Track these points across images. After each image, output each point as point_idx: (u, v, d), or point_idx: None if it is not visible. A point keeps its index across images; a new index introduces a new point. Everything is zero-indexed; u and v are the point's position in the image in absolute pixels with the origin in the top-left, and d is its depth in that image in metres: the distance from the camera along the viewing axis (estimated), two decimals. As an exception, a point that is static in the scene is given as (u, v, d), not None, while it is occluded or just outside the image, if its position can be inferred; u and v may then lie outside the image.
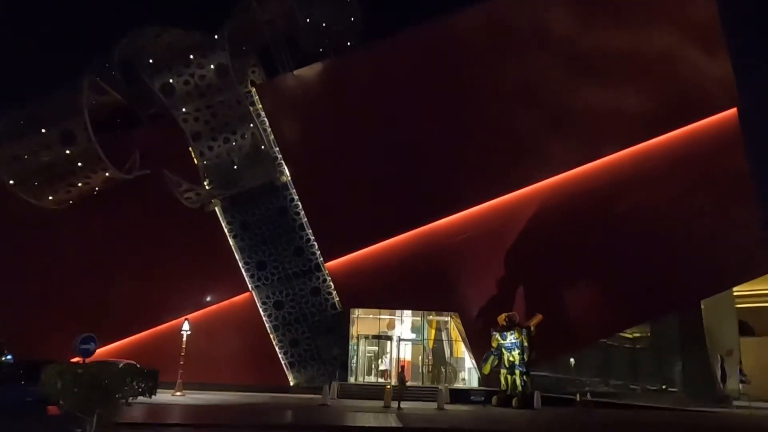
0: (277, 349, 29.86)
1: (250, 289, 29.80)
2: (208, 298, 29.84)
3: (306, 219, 29.73)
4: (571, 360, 33.15)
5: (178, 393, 25.53)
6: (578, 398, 26.36)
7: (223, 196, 28.52)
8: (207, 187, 27.43)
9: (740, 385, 40.33)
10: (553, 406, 26.22)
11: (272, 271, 29.64)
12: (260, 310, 29.81)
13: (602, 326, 31.29)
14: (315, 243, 29.71)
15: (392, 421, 17.07)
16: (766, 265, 32.58)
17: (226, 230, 29.62)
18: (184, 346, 26.41)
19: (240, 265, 29.68)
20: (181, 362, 26.04)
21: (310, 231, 29.71)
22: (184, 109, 26.92)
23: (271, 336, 29.87)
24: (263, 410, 20.65)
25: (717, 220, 31.67)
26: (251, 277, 29.69)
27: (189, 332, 26.84)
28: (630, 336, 35.74)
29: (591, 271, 30.74)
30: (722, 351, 39.66)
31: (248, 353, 29.47)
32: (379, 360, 33.77)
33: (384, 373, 32.71)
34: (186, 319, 27.02)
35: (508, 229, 30.46)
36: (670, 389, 35.24)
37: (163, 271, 28.99)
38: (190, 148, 28.17)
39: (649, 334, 36.13)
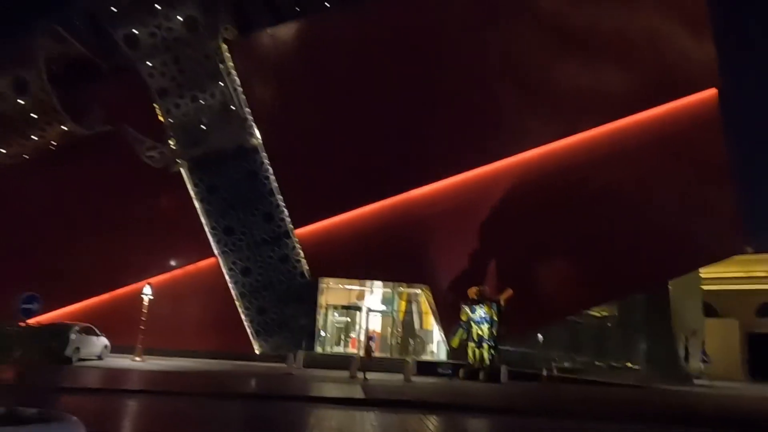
0: (243, 316, 29.18)
1: (217, 254, 28.91)
2: (173, 262, 28.91)
3: (276, 184, 28.76)
4: (539, 336, 33.21)
5: (138, 358, 24.80)
6: (544, 373, 26.35)
7: (190, 157, 27.32)
8: (172, 147, 26.21)
9: (701, 365, 41.41)
10: (520, 380, 26.17)
11: (240, 236, 28.72)
12: (227, 276, 28.99)
13: (572, 303, 31.30)
14: (285, 209, 28.84)
15: (356, 392, 16.60)
16: (735, 247, 32.88)
17: (192, 193, 28.53)
18: (144, 311, 25.57)
19: (206, 229, 28.71)
20: (142, 327, 25.25)
21: (281, 197, 28.79)
22: (149, 63, 25.54)
23: (238, 303, 29.14)
24: (223, 377, 20.04)
25: (690, 201, 31.67)
26: (218, 242, 28.77)
27: (151, 296, 25.97)
28: (598, 314, 36.02)
29: (562, 248, 30.57)
30: (687, 331, 40.51)
31: (213, 320, 28.75)
32: (349, 330, 33.46)
33: (352, 343, 32.42)
34: (148, 282, 26.09)
35: (482, 202, 30.03)
36: (634, 367, 35.75)
37: (125, 233, 27.91)
38: (156, 105, 26.84)
39: (616, 313, 36.51)
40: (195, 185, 28.44)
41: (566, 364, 32.66)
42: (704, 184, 31.68)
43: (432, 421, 12.40)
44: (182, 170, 28.13)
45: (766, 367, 47.49)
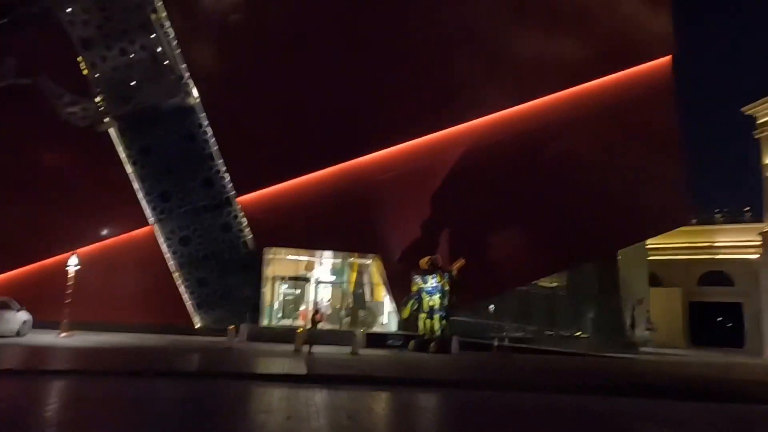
0: (182, 288, 27.43)
1: (152, 222, 26.91)
2: (104, 231, 26.76)
3: (216, 147, 26.81)
4: (491, 306, 32.88)
5: (64, 334, 22.83)
6: (496, 343, 25.93)
7: (119, 115, 25.00)
8: (98, 103, 23.85)
9: (646, 333, 42.40)
10: (471, 351, 25.69)
11: (177, 203, 26.77)
12: (164, 245, 27.07)
13: (524, 273, 30.92)
14: (226, 174, 26.98)
15: (297, 368, 15.44)
16: (685, 218, 33.19)
17: (123, 155, 26.26)
18: (70, 283, 23.51)
19: (140, 195, 26.59)
20: (68, 300, 23.23)
21: (221, 161, 26.88)
22: (69, 9, 22.92)
23: (176, 274, 27.32)
24: (156, 353, 18.48)
25: (642, 171, 31.59)
26: (153, 209, 26.73)
27: (78, 267, 23.89)
28: (549, 285, 35.98)
29: (515, 217, 30.04)
30: (633, 300, 41.21)
31: (150, 292, 26.86)
32: (297, 303, 32.19)
33: (302, 316, 31.20)
34: (74, 253, 23.96)
35: (435, 169, 29.01)
36: (583, 335, 36.04)
37: (49, 198, 25.55)
38: (79, 58, 24.31)
39: (566, 283, 36.54)
40: (127, 147, 26.16)
41: (517, 334, 32.51)
42: (656, 154, 31.59)
43: (375, 398, 11.38)
44: (112, 130, 25.77)
45: (706, 334, 49.31)
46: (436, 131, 28.89)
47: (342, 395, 11.38)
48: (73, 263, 23.70)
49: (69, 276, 23.46)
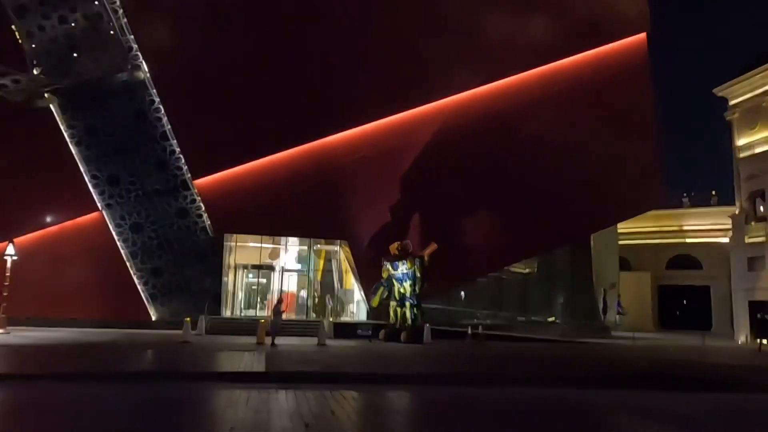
0: (135, 279, 25.54)
1: (100, 208, 24.88)
2: (47, 218, 24.60)
3: (170, 127, 24.87)
4: (462, 293, 31.91)
5: (0, 330, 20.80)
6: (470, 331, 24.87)
7: (59, 91, 22.83)
8: (35, 77, 21.68)
9: (617, 317, 42.18)
10: (444, 339, 24.57)
11: (128, 187, 24.82)
12: (114, 233, 25.11)
13: (498, 257, 29.95)
14: (181, 156, 25.11)
15: (255, 363, 13.96)
16: (659, 199, 32.68)
17: (66, 135, 24.10)
18: (8, 274, 21.43)
19: (86, 178, 24.51)
20: (5, 293, 21.19)
21: (175, 141, 24.97)
22: (-2, -29, 20.65)
23: (129, 264, 25.42)
24: (95, 351, 16.67)
25: (615, 152, 30.89)
26: (101, 194, 24.72)
27: (15, 257, 21.82)
28: (522, 271, 35.18)
29: (488, 201, 29.00)
30: (605, 284, 40.86)
31: (101, 284, 24.92)
32: (262, 292, 30.60)
33: (270, 306, 29.63)
34: (10, 241, 21.85)
35: (404, 151, 27.67)
36: (556, 321, 35.42)
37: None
38: (14, 27, 22.02)
39: (536, 269, 35.76)
40: (70, 126, 24.03)
41: (488, 321, 31.62)
42: (631, 134, 30.92)
43: (338, 400, 10.00)
44: (53, 107, 23.56)
45: (674, 317, 49.57)
46: (404, 111, 27.55)
47: (301, 396, 9.99)
48: (10, 252, 21.61)
49: (6, 266, 21.40)
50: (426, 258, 24.85)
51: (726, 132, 38.46)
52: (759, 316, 30.94)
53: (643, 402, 11.16)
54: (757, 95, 35.30)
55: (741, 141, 36.26)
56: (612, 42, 29.99)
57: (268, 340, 20.25)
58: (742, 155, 36.14)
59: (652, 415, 9.87)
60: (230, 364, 14.39)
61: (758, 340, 28.08)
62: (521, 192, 29.13)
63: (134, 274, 25.44)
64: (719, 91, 37.59)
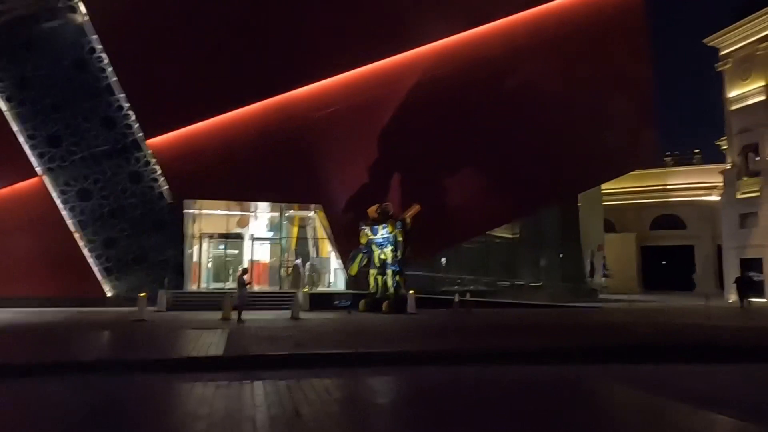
0: (86, 251, 22.94)
1: (40, 173, 22.07)
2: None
3: (116, 78, 21.96)
4: (443, 259, 30.04)
5: (-73, 313, 18.20)
6: (456, 299, 23.01)
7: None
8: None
9: (603, 279, 41.06)
10: (429, 307, 22.67)
11: (71, 149, 21.99)
12: (57, 201, 22.36)
13: (485, 219, 27.92)
14: (130, 112, 22.28)
15: (213, 344, 11.76)
16: (650, 156, 31.00)
17: (-7, 89, 21.13)
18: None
19: (21, 139, 21.60)
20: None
21: (123, 96, 22.10)
22: None
23: (77, 235, 22.78)
24: (35, 335, 14.28)
25: (606, 106, 28.92)
26: (40, 156, 21.86)
27: (-60, 230, 19.07)
28: (509, 235, 33.41)
29: (473, 158, 26.86)
30: (591, 247, 39.49)
31: (46, 258, 22.30)
32: (232, 263, 28.24)
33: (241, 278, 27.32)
34: (-68, 211, 19.06)
35: (382, 104, 25.22)
36: (542, 285, 33.91)
37: None
38: None
39: (522, 232, 34.02)
40: (-2, 78, 21.01)
41: (472, 287, 29.90)
42: (623, 87, 28.90)
43: (305, 392, 7.87)
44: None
45: (657, 278, 48.85)
46: (380, 59, 24.98)
47: (260, 389, 7.84)
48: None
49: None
50: (408, 220, 22.75)
51: (714, 86, 36.93)
52: (739, 275, 30.17)
53: (672, 378, 9.34)
54: (750, 43, 33.54)
55: (733, 93, 34.63)
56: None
57: (234, 314, 18.12)
58: (733, 107, 34.57)
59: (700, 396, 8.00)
60: (184, 345, 12.18)
61: (741, 299, 27.53)
62: (508, 148, 27.06)
63: (84, 246, 22.83)
64: (711, 41, 35.75)
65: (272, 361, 9.99)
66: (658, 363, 10.83)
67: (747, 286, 28.30)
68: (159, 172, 23.05)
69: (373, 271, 23.12)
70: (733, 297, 30.55)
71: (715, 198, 44.44)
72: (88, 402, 7.33)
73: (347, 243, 24.50)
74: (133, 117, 22.29)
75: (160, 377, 8.96)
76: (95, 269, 23.09)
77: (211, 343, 12.00)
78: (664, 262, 49.91)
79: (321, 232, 28.21)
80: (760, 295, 30.15)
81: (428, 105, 25.16)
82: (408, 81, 25.23)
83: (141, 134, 22.50)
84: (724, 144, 44.21)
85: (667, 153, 50.64)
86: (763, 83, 32.69)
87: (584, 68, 28.02)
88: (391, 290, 22.61)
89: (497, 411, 7.00)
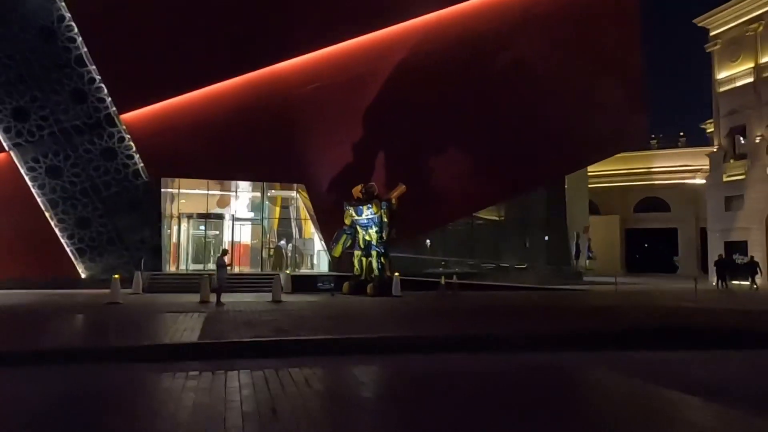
0: (57, 231, 22.00)
1: (7, 148, 20.98)
2: (-59, 162, 20.65)
3: (87, 49, 20.82)
4: (427, 240, 29.54)
5: None
6: (443, 281, 22.53)
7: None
8: None
9: (587, 261, 40.98)
10: (414, 290, 22.17)
11: (39, 123, 20.89)
12: (27, 178, 21.32)
13: (472, 200, 27.42)
14: (103, 85, 21.20)
15: (186, 330, 11.10)
16: (641, 136, 30.61)
17: (-47, 58, 19.88)
18: None
19: (-15, 112, 20.49)
20: None
21: (94, 67, 20.99)
22: None
23: (48, 214, 21.80)
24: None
25: (597, 85, 28.39)
26: (6, 131, 20.76)
27: None
28: (495, 216, 32.96)
29: (460, 137, 26.24)
30: (577, 229, 39.26)
31: (16, 237, 21.34)
32: (213, 244, 27.47)
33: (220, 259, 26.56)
34: None
35: (367, 80, 24.41)
36: (528, 267, 33.62)
37: None
38: None
39: (508, 214, 33.60)
40: (-43, 47, 19.77)
41: (457, 269, 29.48)
42: (614, 66, 28.37)
43: (285, 384, 7.27)
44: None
45: (641, 260, 49.06)
46: (365, 34, 24.10)
47: (233, 380, 7.22)
48: None
49: None
50: (394, 201, 22.10)
51: (699, 68, 36.55)
52: (719, 257, 30.27)
53: (674, 366, 8.91)
54: (740, 24, 33.14)
55: (722, 74, 34.30)
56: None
57: (213, 297, 17.44)
58: (722, 89, 34.27)
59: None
60: (154, 331, 11.48)
61: (718, 281, 28.09)
62: (495, 128, 26.48)
63: (55, 225, 21.87)
64: (701, 21, 35.28)
65: (249, 348, 9.36)
66: (654, 349, 10.41)
67: (727, 269, 28.50)
68: (134, 149, 22.08)
69: (357, 253, 22.53)
70: (715, 279, 30.53)
71: (699, 181, 44.51)
72: (37, 399, 6.64)
73: (331, 224, 23.83)
74: (106, 90, 21.20)
75: (125, 367, 8.29)
76: (68, 249, 22.17)
77: (185, 329, 11.33)
78: (646, 245, 50.14)
79: (304, 213, 27.52)
80: (743, 277, 30.19)
81: (415, 83, 24.39)
82: (394, 57, 24.40)
83: (114, 109, 21.46)
84: (708, 127, 44.22)
85: (652, 136, 50.57)
86: (751, 65, 32.38)
87: (574, 47, 27.44)
88: (376, 272, 22.05)
89: (491, 406, 6.47)
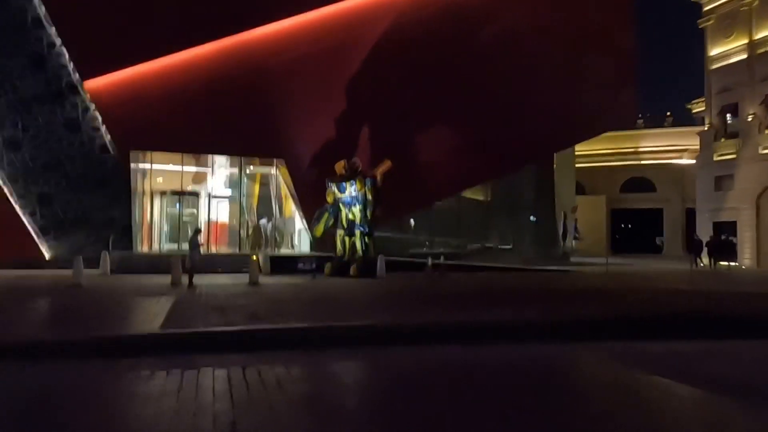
0: (17, 208, 20.50)
1: (-41, 118, 19.37)
2: None
3: (45, 9, 19.12)
4: (411, 220, 28.55)
5: None
6: (430, 263, 21.56)
7: None
8: None
9: (573, 242, 40.41)
10: (399, 271, 21.18)
11: (-6, 90, 19.25)
12: (-19, 151, 19.76)
13: (460, 177, 26.38)
14: (64, 49, 19.55)
15: (150, 316, 9.95)
16: (630, 114, 29.77)
17: None
18: None
19: (-67, 79, 18.79)
20: None
21: (54, 29, 19.32)
22: None
23: (7, 189, 20.27)
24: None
25: (585, 63, 27.38)
26: (-43, 99, 19.12)
27: None
28: (481, 196, 32.03)
29: (447, 111, 25.10)
30: (564, 209, 38.58)
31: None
32: (188, 223, 26.12)
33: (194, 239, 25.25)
34: None
35: (350, 49, 23.07)
36: (508, 247, 32.88)
37: None
38: None
39: (496, 194, 32.70)
40: None
41: (442, 249, 28.57)
42: (604, 39, 27.32)
43: (254, 389, 6.18)
44: None
45: (625, 241, 48.70)
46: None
47: (190, 382, 6.11)
48: None
49: None
50: (379, 178, 20.95)
51: (688, 47, 35.74)
52: (709, 237, 29.97)
53: (690, 359, 8.02)
54: (734, -1, 32.28)
55: (715, 51, 33.49)
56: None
57: (185, 278, 16.26)
58: (714, 66, 33.50)
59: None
60: (116, 319, 10.29)
61: (695, 258, 28.35)
62: (482, 104, 25.37)
63: (15, 202, 20.37)
64: (694, -5, 34.36)
65: (216, 339, 8.25)
66: (657, 339, 9.52)
67: (722, 250, 28.22)
68: (100, 120, 20.55)
69: (340, 232, 21.41)
70: (705, 260, 30.19)
71: (686, 161, 44.03)
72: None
73: (312, 201, 22.66)
74: (67, 56, 19.58)
75: (70, 364, 7.12)
76: (29, 228, 20.72)
77: (147, 316, 10.18)
78: (630, 226, 49.81)
79: (284, 190, 26.28)
80: (730, 257, 29.82)
81: (400, 54, 23.15)
82: (378, 26, 23.08)
83: (77, 76, 19.86)
84: (695, 107, 43.63)
85: (639, 115, 49.92)
86: (745, 41, 31.59)
87: (563, 21, 26.33)
88: (360, 253, 20.99)
89: (490, 412, 5.47)
